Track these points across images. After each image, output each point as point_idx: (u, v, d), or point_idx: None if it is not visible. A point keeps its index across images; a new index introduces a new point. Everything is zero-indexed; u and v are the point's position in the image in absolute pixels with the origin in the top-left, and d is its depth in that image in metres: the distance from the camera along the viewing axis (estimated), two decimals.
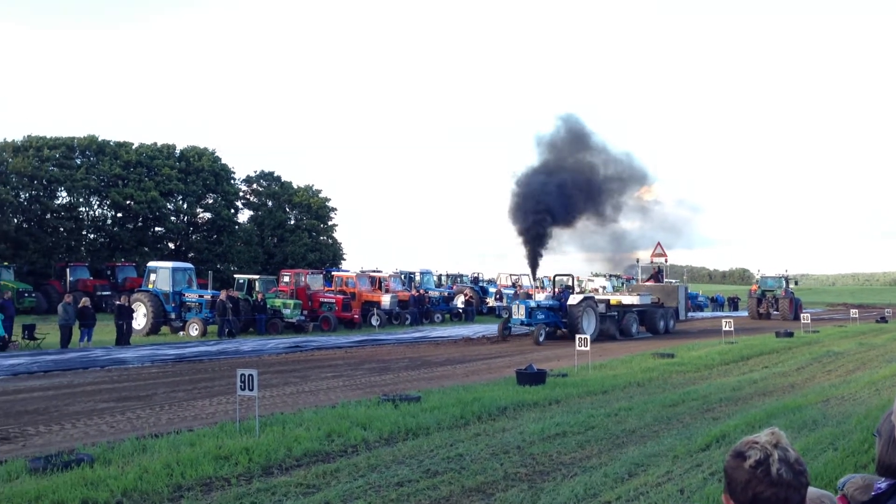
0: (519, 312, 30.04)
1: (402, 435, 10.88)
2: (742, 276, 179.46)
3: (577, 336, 19.47)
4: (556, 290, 32.64)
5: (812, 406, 13.55)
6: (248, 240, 59.31)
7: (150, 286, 30.89)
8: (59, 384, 16.87)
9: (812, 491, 2.45)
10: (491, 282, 58.13)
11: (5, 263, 43.16)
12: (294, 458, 9.40)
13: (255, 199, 64.21)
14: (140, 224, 55.48)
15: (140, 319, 29.85)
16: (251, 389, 10.57)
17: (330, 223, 66.67)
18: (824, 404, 13.94)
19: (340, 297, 36.33)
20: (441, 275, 56.66)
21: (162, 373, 19.09)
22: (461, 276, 58.08)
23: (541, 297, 31.99)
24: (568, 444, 10.35)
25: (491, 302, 50.41)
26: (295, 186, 65.06)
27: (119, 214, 54.86)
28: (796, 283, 55.02)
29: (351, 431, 10.75)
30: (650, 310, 34.59)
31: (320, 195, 65.86)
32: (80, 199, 52.67)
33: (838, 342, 28.27)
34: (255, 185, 64.22)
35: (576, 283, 34.97)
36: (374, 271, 45.24)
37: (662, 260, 40.96)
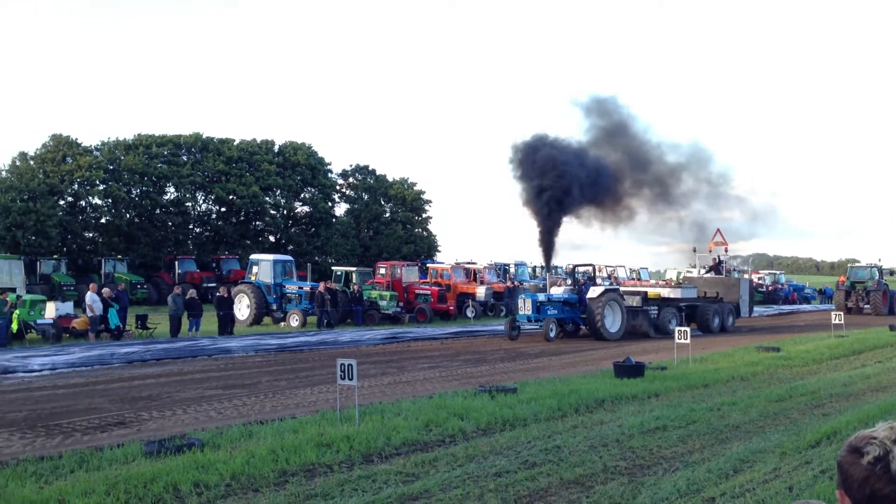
0: (525, 308, 26.24)
1: (500, 426, 10.90)
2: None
3: (677, 329, 19.01)
4: (577, 282, 28.69)
5: None
6: (345, 232, 60.41)
7: (253, 278, 31.91)
8: (170, 371, 17.64)
9: None
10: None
11: (119, 257, 45.38)
12: (393, 447, 9.54)
13: (351, 193, 65.34)
14: (242, 218, 57.31)
15: (244, 310, 30.89)
16: (351, 379, 10.78)
17: (424, 215, 67.21)
18: None
19: (436, 288, 36.60)
20: (535, 266, 56.36)
21: (265, 362, 19.69)
22: (556, 267, 57.60)
23: (559, 290, 28.14)
24: (669, 438, 10.15)
25: None
26: (390, 179, 65.88)
27: (223, 209, 56.81)
28: (892, 274, 48.94)
29: (448, 422, 10.84)
30: (702, 305, 30.93)
31: (415, 188, 66.47)
32: (187, 195, 54.79)
33: None
34: (350, 179, 65.34)
35: (626, 273, 32.89)
36: (468, 263, 45.39)
37: (722, 249, 36.83)
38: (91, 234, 50.71)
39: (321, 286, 30.92)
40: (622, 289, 30.60)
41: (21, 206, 44.00)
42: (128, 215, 50.88)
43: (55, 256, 43.57)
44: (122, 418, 11.78)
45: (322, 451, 9.09)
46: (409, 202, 65.24)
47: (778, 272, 69.47)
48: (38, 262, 40.71)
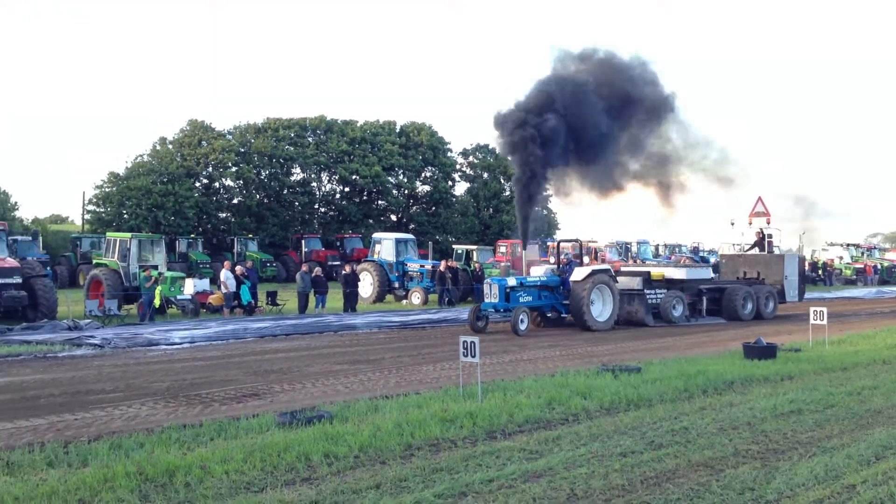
0: (491, 295, 21.79)
1: (623, 405, 10.74)
2: None
3: (812, 309, 18.05)
4: (560, 261, 24.49)
5: None
6: (465, 211, 60.79)
7: (376, 256, 32.62)
8: (299, 346, 18.30)
9: None
10: (712, 251, 55.73)
11: (250, 236, 47.39)
12: (516, 424, 9.56)
13: (470, 171, 65.56)
14: (365, 197, 58.60)
15: (366, 288, 31.61)
16: (473, 356, 10.86)
17: (544, 193, 66.69)
18: None
19: None
20: (658, 244, 55.09)
21: (388, 338, 20.11)
22: (679, 245, 56.14)
23: (539, 271, 24.10)
24: (804, 423, 9.72)
25: None
26: (509, 158, 65.65)
27: (346, 189, 58.25)
28: None
29: (571, 400, 10.77)
30: (730, 288, 26.34)
31: None
32: (312, 175, 56.50)
33: None
34: (470, 158, 65.54)
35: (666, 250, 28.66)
36: (589, 241, 44.84)
37: (764, 221, 31.03)
38: (224, 215, 53.16)
39: (442, 264, 31.26)
40: (622, 269, 26.92)
41: (161, 189, 46.65)
42: (257, 196, 52.99)
43: (192, 236, 45.97)
44: (256, 390, 12.32)
45: (446, 427, 9.22)
46: None
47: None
48: (176, 241, 43.07)
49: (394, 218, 60.17)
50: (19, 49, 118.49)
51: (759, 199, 31.22)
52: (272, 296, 27.79)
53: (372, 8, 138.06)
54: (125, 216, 46.31)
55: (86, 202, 49.89)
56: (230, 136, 53.22)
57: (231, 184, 53.07)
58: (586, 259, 25.10)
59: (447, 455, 8.20)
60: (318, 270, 28.26)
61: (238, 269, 26.42)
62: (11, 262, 22.77)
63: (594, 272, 22.55)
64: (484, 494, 6.93)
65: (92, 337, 18.50)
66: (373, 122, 59.59)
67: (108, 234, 30.54)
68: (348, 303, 27.21)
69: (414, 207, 61.19)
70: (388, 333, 21.32)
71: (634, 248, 49.10)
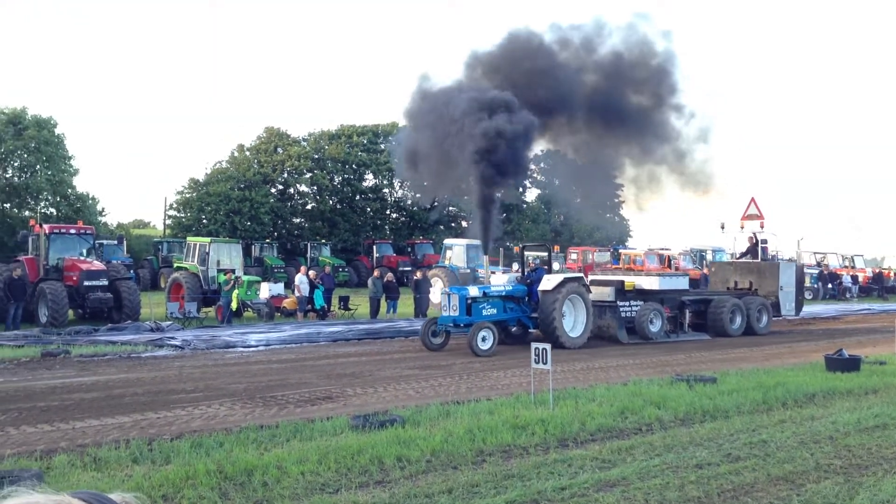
0: (451, 307, 18.96)
1: (699, 416, 10.54)
2: None
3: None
4: (526, 269, 21.76)
5: None
6: (536, 218, 60.52)
7: (447, 262, 32.76)
8: (371, 351, 18.53)
9: None
10: (791, 260, 54.04)
11: (323, 241, 48.15)
12: (588, 433, 9.49)
13: (542, 178, 65.24)
14: (436, 203, 58.88)
15: (438, 293, 31.73)
16: (545, 363, 10.82)
17: (616, 200, 65.92)
18: None
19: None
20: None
21: (459, 344, 20.12)
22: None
23: (502, 279, 21.71)
24: (890, 438, 9.38)
25: None
26: (580, 164, 65.10)
27: (418, 194, 58.62)
28: None
29: (645, 410, 10.63)
30: (717, 299, 23.44)
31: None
32: (384, 181, 57.08)
33: None
34: (542, 164, 65.23)
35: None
36: (662, 249, 44.11)
37: (758, 224, 27.71)
38: (298, 220, 54.14)
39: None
40: (591, 277, 23.90)
41: (238, 195, 47.82)
42: (330, 202, 53.81)
43: (267, 240, 46.97)
44: (330, 393, 12.52)
45: (517, 433, 9.21)
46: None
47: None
48: (252, 246, 44.06)
49: (464, 224, 60.28)
50: (117, 59, 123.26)
51: (753, 200, 28.02)
52: (344, 301, 28.18)
53: (445, 16, 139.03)
54: (204, 221, 47.61)
55: (167, 207, 51.55)
56: (305, 143, 54.21)
57: (305, 189, 54.06)
58: (556, 266, 22.86)
59: (519, 462, 8.19)
60: (389, 276, 28.55)
61: (311, 273, 26.87)
62: (98, 265, 23.69)
63: (566, 280, 19.86)
64: (556, 502, 6.91)
65: (173, 338, 19.11)
66: None
67: (188, 238, 31.45)
68: (419, 308, 27.40)
69: None
70: (459, 339, 21.33)
71: (709, 256, 47.96)
